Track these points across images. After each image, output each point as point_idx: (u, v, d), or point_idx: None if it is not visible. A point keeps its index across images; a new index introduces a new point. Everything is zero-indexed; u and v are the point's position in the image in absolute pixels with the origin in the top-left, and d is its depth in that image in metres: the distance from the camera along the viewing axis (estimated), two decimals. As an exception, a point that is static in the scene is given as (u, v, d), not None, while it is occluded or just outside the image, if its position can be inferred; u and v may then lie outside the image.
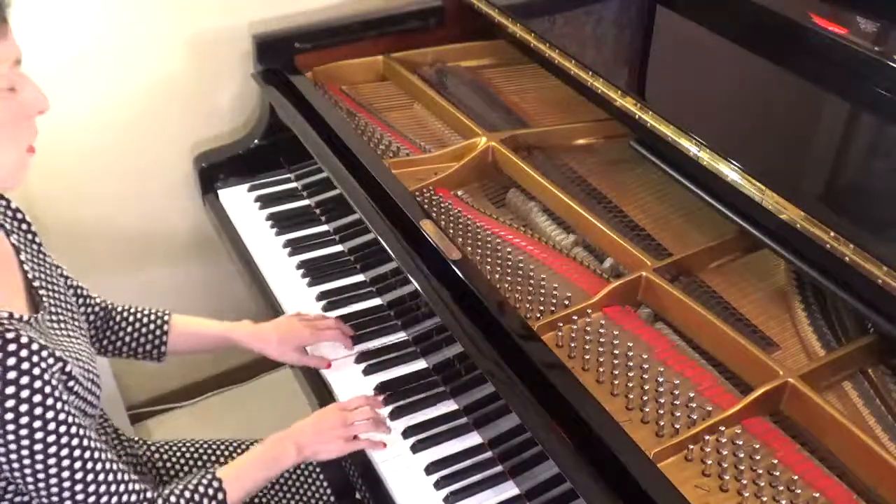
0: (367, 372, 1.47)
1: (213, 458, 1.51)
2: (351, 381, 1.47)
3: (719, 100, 1.54)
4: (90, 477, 1.08)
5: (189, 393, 2.38)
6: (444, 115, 1.80)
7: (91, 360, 1.20)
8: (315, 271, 1.68)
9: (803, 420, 1.17)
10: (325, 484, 1.53)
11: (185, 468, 1.49)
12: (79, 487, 1.07)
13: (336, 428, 1.32)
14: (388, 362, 1.48)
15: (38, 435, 1.02)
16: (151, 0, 1.82)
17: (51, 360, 1.05)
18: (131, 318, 1.45)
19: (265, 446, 1.30)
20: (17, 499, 1.14)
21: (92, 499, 1.08)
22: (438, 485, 1.28)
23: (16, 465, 1.04)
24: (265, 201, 1.87)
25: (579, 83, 1.57)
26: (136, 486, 1.13)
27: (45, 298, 1.19)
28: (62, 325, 1.20)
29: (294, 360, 1.50)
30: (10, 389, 1.00)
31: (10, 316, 1.06)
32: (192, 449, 1.52)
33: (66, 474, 1.06)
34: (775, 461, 1.12)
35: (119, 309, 1.46)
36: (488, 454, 1.32)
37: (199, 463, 1.50)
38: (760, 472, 1.12)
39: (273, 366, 2.42)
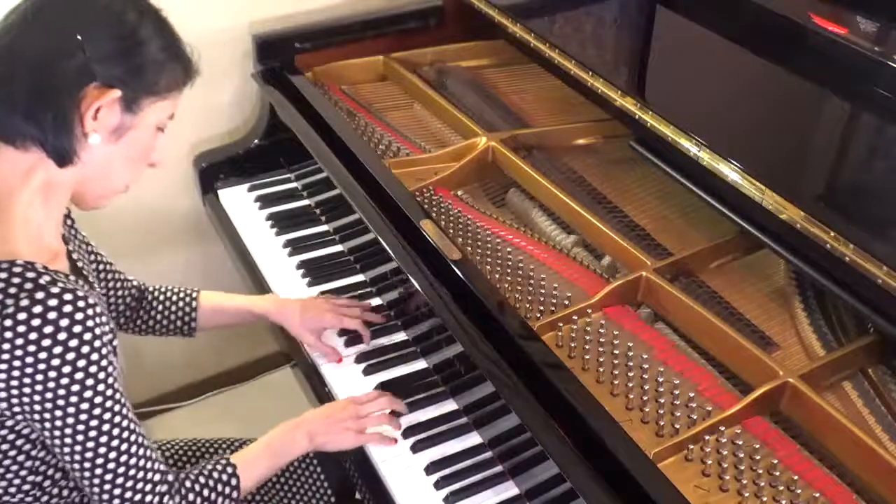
0: (367, 372, 1.47)
1: (217, 456, 1.51)
2: (351, 381, 1.46)
3: (719, 100, 1.54)
4: (124, 447, 1.08)
5: (189, 393, 2.38)
6: (444, 115, 1.80)
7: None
8: (315, 271, 1.68)
9: (803, 420, 1.17)
10: (325, 484, 1.53)
11: (187, 466, 1.48)
12: (112, 455, 1.08)
13: (349, 419, 1.33)
14: (388, 362, 1.48)
15: (87, 394, 1.03)
16: (151, 1, 1.82)
17: (108, 328, 1.07)
18: (162, 297, 1.50)
19: (277, 434, 1.31)
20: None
21: (122, 469, 1.09)
22: (438, 485, 1.28)
23: (58, 423, 1.03)
24: (265, 201, 1.87)
25: (579, 83, 1.57)
26: (162, 467, 1.14)
27: (91, 287, 1.22)
28: None
29: (309, 341, 1.51)
30: (73, 342, 1.01)
31: (67, 276, 1.08)
32: (192, 448, 1.52)
33: (103, 439, 1.06)
34: (775, 461, 1.12)
35: (150, 288, 1.50)
36: (488, 454, 1.32)
37: (203, 461, 1.50)
38: (760, 472, 1.12)
39: (273, 366, 2.43)
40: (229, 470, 1.22)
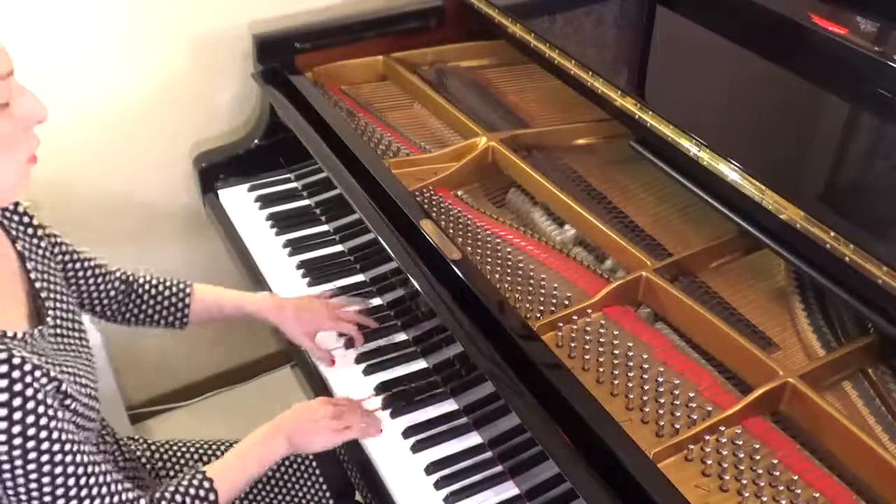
0: (367, 372, 1.47)
1: (216, 457, 1.51)
2: (351, 381, 1.47)
3: (719, 100, 1.54)
4: (84, 492, 1.07)
5: (189, 393, 2.38)
6: (444, 115, 1.80)
7: (90, 374, 1.20)
8: (315, 271, 1.68)
9: (803, 420, 1.17)
10: (324, 486, 1.53)
11: (185, 468, 1.49)
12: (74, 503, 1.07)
13: (326, 418, 1.32)
14: (388, 362, 1.48)
15: (32, 455, 1.02)
16: (152, 0, 1.83)
17: (44, 381, 1.04)
18: (153, 291, 1.47)
19: (255, 440, 1.29)
20: None
21: None
22: (438, 485, 1.28)
23: (9, 484, 1.03)
24: (265, 201, 1.87)
25: (579, 83, 1.57)
26: (130, 495, 1.12)
27: (49, 309, 1.19)
28: (64, 338, 1.20)
29: (304, 343, 1.50)
30: (3, 411, 0.99)
31: (3, 335, 1.05)
32: (191, 449, 1.52)
33: (60, 491, 1.05)
34: (775, 461, 1.12)
35: (140, 280, 1.47)
36: (488, 454, 1.32)
37: (202, 462, 1.50)
38: (760, 472, 1.12)
39: (273, 366, 2.43)
40: (206, 485, 1.19)
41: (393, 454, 1.34)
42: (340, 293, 1.61)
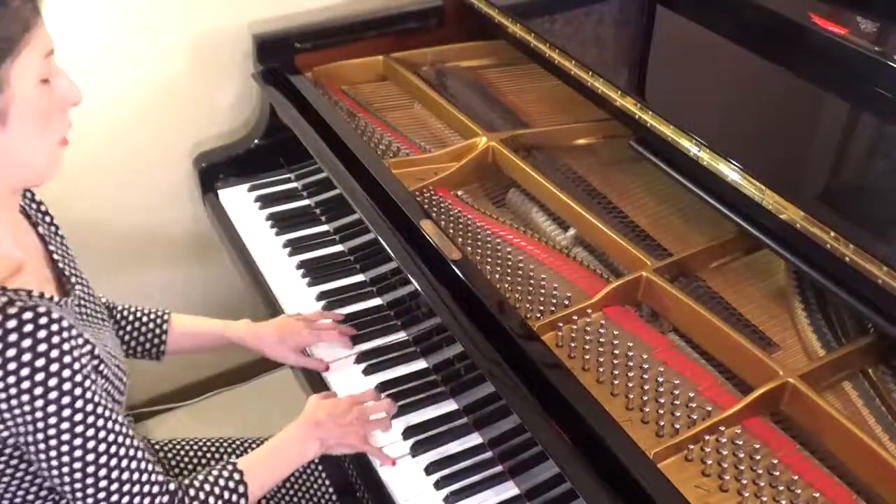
0: (367, 372, 1.47)
1: (217, 456, 1.51)
2: (351, 381, 1.46)
3: (719, 100, 1.54)
4: (114, 462, 1.05)
5: (189, 393, 2.38)
6: (444, 115, 1.80)
7: (116, 349, 1.21)
8: (315, 271, 1.68)
9: (803, 420, 1.17)
10: (327, 482, 1.53)
11: (189, 466, 1.49)
12: (102, 473, 1.04)
13: (354, 423, 1.32)
14: (388, 362, 1.48)
15: (66, 412, 1.00)
16: (152, 1, 1.83)
17: (80, 340, 1.03)
18: (131, 318, 1.46)
19: (287, 440, 1.29)
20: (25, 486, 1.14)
21: (115, 486, 1.05)
22: (438, 485, 1.28)
23: (42, 446, 1.01)
24: (265, 201, 1.87)
25: (579, 83, 1.57)
26: (160, 478, 1.11)
27: (76, 287, 1.19)
28: (89, 316, 1.20)
29: (292, 361, 1.50)
30: (40, 362, 0.97)
31: (41, 295, 1.05)
32: (195, 447, 1.52)
33: (90, 457, 1.03)
34: (775, 461, 1.12)
35: (119, 308, 1.46)
36: (488, 454, 1.32)
37: (203, 461, 1.50)
38: (760, 472, 1.12)
39: (273, 366, 2.42)
40: (236, 476, 1.19)
41: (393, 454, 1.33)
42: (339, 295, 1.62)
